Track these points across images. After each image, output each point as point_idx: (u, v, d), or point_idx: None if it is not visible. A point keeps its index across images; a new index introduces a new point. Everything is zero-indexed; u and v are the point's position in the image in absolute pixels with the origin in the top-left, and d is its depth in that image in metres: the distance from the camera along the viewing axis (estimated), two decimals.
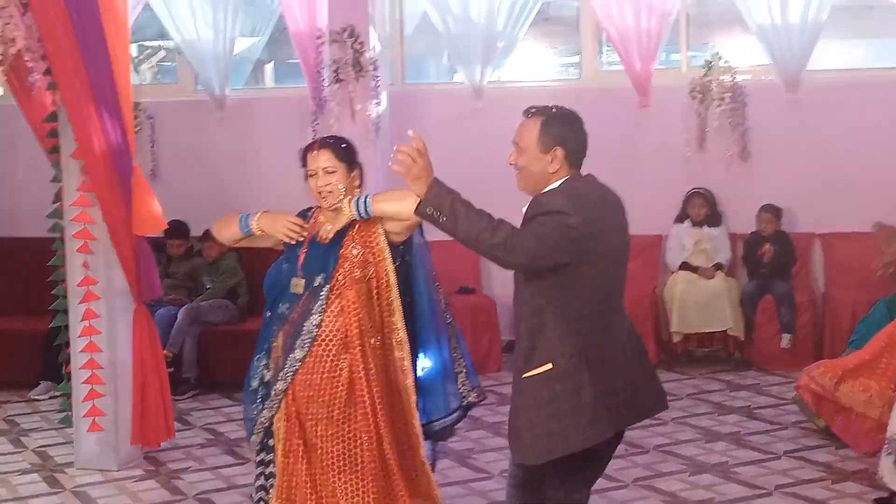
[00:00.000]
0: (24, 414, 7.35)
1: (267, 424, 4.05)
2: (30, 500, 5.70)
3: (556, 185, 3.49)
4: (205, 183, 8.53)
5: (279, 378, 3.98)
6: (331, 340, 3.94)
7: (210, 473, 6.05)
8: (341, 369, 3.93)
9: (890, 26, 8.95)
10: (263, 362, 4.10)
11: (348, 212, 3.95)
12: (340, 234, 4.02)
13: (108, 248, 6.00)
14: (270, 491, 4.04)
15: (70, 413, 6.32)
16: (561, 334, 3.39)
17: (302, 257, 4.02)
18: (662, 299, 8.10)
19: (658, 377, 3.90)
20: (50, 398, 7.39)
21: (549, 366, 3.39)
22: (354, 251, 3.98)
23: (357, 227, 4.00)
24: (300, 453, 3.95)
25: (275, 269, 4.16)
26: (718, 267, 8.01)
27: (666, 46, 8.48)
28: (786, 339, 7.78)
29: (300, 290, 3.99)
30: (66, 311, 6.22)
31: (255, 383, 4.11)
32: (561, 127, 3.53)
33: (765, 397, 7.25)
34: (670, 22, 8.25)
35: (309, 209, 4.19)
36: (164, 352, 7.14)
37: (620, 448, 5.72)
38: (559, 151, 3.48)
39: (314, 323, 3.94)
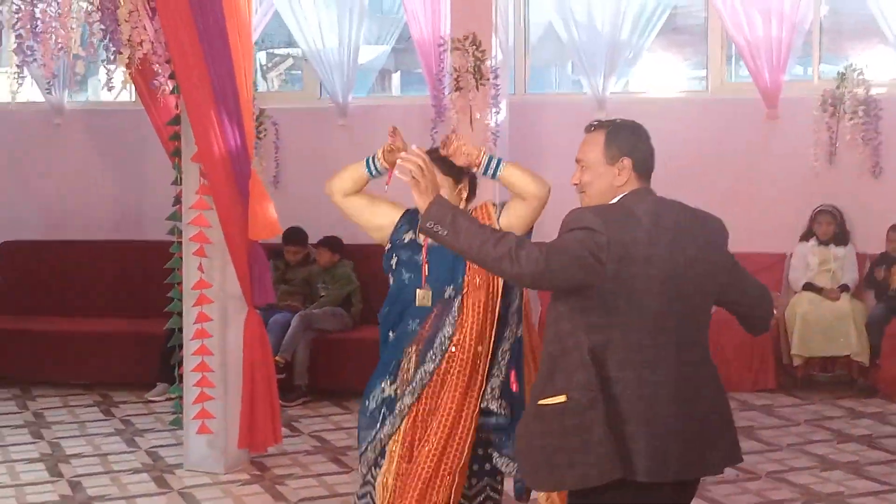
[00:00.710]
0: (140, 415, 7.47)
1: (386, 442, 3.96)
2: (137, 500, 5.78)
3: (620, 197, 3.31)
4: (321, 192, 8.56)
5: (406, 392, 3.91)
6: (463, 352, 3.88)
7: (314, 480, 6.06)
8: (462, 377, 3.89)
9: None
10: (388, 385, 3.98)
11: (476, 159, 3.89)
12: None
13: (224, 251, 6.05)
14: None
15: (181, 415, 6.39)
16: (580, 364, 3.15)
17: (426, 267, 3.94)
18: (784, 320, 7.84)
19: (733, 431, 3.43)
20: (165, 400, 7.46)
21: (563, 398, 3.17)
22: None
23: None
24: (425, 476, 3.85)
25: (395, 293, 4.03)
26: (844, 288, 7.78)
27: (797, 57, 8.26)
28: None
29: (428, 302, 3.91)
30: (180, 314, 6.31)
31: (372, 404, 4.03)
32: (627, 137, 3.35)
33: (888, 426, 6.97)
34: (803, 32, 8.06)
35: (415, 210, 3.93)
36: (277, 358, 7.23)
37: (731, 472, 5.64)
38: (626, 161, 3.30)
39: (447, 335, 3.88)
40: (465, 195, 4.03)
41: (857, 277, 7.89)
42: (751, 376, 7.79)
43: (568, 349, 3.19)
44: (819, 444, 6.64)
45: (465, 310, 3.90)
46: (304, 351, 7.72)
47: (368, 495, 4.06)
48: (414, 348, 3.93)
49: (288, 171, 8.79)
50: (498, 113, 8.15)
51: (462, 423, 3.88)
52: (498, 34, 8.23)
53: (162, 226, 6.79)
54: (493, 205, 4.03)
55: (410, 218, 4.01)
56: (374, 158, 3.97)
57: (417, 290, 3.93)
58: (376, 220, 4.04)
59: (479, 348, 3.89)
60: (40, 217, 9.08)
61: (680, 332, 3.21)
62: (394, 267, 4.01)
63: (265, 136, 8.71)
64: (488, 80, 8.08)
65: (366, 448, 4.02)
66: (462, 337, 3.88)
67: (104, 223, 8.98)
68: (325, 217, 8.17)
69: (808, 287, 7.84)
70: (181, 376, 6.31)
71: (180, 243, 6.32)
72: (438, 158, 3.91)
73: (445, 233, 3.17)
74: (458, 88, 8.10)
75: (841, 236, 7.91)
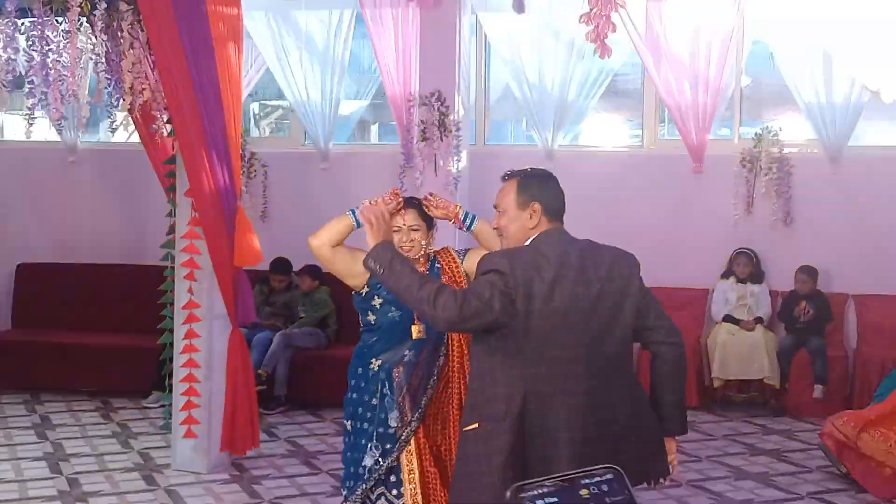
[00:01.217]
0: (135, 419, 7.45)
1: (389, 466, 3.88)
2: (128, 496, 5.74)
3: (534, 238, 3.28)
4: (308, 225, 8.43)
5: (413, 419, 3.86)
6: (454, 377, 3.90)
7: (287, 481, 6.04)
8: (455, 394, 3.91)
9: None
10: (391, 415, 3.87)
11: (454, 213, 4.00)
12: (435, 277, 3.90)
13: (211, 276, 6.03)
14: None
15: (170, 420, 6.38)
16: (492, 397, 3.13)
17: None
18: (706, 347, 7.90)
19: (651, 448, 3.33)
20: (159, 406, 7.43)
21: (476, 425, 3.16)
22: None
23: (444, 272, 3.98)
24: (435, 473, 3.86)
25: (378, 328, 3.96)
26: (759, 321, 7.83)
27: (720, 120, 8.33)
28: (818, 390, 7.57)
29: (423, 335, 3.85)
30: (171, 331, 6.31)
31: (363, 439, 3.90)
32: (537, 184, 3.34)
33: (794, 442, 7.04)
34: (725, 98, 8.14)
35: None
36: (259, 371, 7.26)
37: None
38: (536, 206, 3.29)
39: (440, 362, 3.91)
40: (432, 240, 4.04)
41: (770, 311, 7.93)
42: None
43: (485, 384, 3.18)
44: (734, 456, 6.70)
45: (452, 339, 3.91)
46: (283, 366, 7.74)
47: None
48: (414, 374, 3.89)
49: (275, 208, 8.81)
50: (459, 161, 8.18)
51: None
52: (460, 92, 8.28)
53: (156, 252, 6.80)
54: (455, 250, 4.06)
55: None
56: (355, 212, 3.94)
57: (412, 326, 3.87)
58: (357, 267, 3.86)
59: (461, 364, 3.89)
60: (53, 242, 9.05)
61: (590, 358, 3.16)
62: (378, 307, 3.93)
63: (255, 176, 8.78)
64: (451, 132, 8.12)
65: (367, 475, 3.89)
66: (451, 359, 3.90)
67: (109, 249, 8.95)
68: (306, 247, 8.19)
69: (728, 319, 7.87)
70: (171, 386, 6.30)
71: (173, 268, 6.32)
72: (418, 206, 3.98)
73: (382, 271, 3.22)
74: (424, 139, 8.13)
75: (756, 275, 7.96)
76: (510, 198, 3.33)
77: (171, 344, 6.30)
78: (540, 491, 0.57)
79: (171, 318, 6.31)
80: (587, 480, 0.58)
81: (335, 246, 3.95)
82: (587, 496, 0.58)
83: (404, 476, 3.87)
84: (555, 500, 0.58)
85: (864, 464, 5.82)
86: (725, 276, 8.04)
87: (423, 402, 3.88)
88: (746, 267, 7.93)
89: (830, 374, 7.59)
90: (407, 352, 3.90)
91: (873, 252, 7.82)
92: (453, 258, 4.03)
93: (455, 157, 8.15)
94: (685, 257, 8.11)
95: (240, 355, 6.10)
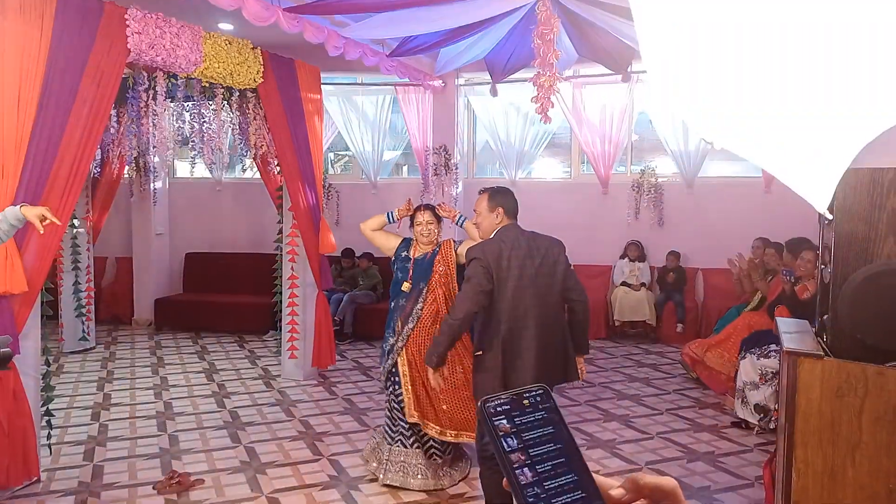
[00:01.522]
0: (258, 348, 7.46)
1: (390, 367, 3.94)
2: (255, 394, 5.77)
3: (498, 229, 3.31)
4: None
5: (399, 341, 3.91)
6: (427, 318, 3.89)
7: (353, 386, 6.05)
8: (433, 334, 3.87)
9: None
10: (391, 335, 3.97)
11: (453, 215, 4.07)
12: (432, 258, 3.95)
13: (305, 259, 6.07)
14: (399, 403, 3.91)
15: (280, 348, 6.40)
16: (488, 333, 3.22)
17: (411, 271, 3.95)
18: (610, 301, 7.90)
19: (570, 361, 3.39)
20: (273, 340, 7.45)
21: (480, 351, 3.26)
22: (441, 268, 3.94)
23: (439, 255, 3.96)
24: (419, 382, 3.86)
25: (393, 283, 4.05)
26: (643, 285, 7.80)
27: (619, 161, 8.29)
28: (679, 327, 7.56)
29: (408, 290, 3.93)
30: (281, 293, 6.32)
31: (386, 347, 4.00)
32: (500, 196, 3.37)
33: (665, 359, 7.03)
34: (621, 147, 8.10)
35: (410, 239, 4.09)
36: (335, 317, 7.25)
37: (577, 383, 5.60)
38: (500, 210, 3.35)
39: (419, 308, 3.90)
40: (440, 232, 4.06)
41: (650, 279, 7.89)
42: (593, 329, 7.79)
43: (484, 326, 3.26)
44: (628, 367, 6.69)
45: (429, 295, 3.93)
46: (350, 314, 7.75)
47: (386, 406, 4.09)
48: (402, 316, 3.93)
49: (343, 217, 8.80)
50: (457, 188, 8.19)
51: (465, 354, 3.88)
52: (457, 145, 8.29)
53: (272, 245, 6.81)
54: (454, 241, 4.06)
55: (405, 242, 4.08)
56: (391, 213, 4.13)
57: (404, 283, 3.96)
58: (389, 243, 4.09)
59: (440, 317, 3.89)
60: (208, 240, 9.05)
61: (537, 308, 3.23)
62: (394, 269, 4.05)
63: (332, 198, 8.76)
64: (452, 170, 8.14)
65: (382, 368, 4.03)
66: (427, 309, 3.91)
67: (241, 243, 8.96)
68: (363, 242, 8.22)
69: (624, 283, 7.83)
70: (280, 327, 6.34)
71: (281, 255, 6.34)
72: (432, 209, 4.03)
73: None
74: (435, 174, 8.14)
75: (641, 257, 7.92)
76: (483, 204, 3.38)
77: (281, 301, 6.32)
78: (497, 401, 0.59)
79: (281, 285, 6.33)
80: (527, 394, 0.60)
81: (375, 230, 4.13)
82: (527, 405, 0.59)
83: (400, 374, 3.90)
84: (507, 407, 0.60)
85: (708, 372, 5.83)
86: (622, 257, 8.01)
87: (405, 329, 3.90)
88: (635, 251, 7.91)
89: (687, 317, 7.58)
90: (401, 300, 3.97)
91: (713, 242, 7.74)
92: (451, 246, 4.01)
93: (455, 186, 8.17)
94: (597, 245, 8.11)
95: (322, 308, 6.16)
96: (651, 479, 0.65)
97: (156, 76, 4.87)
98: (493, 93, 7.39)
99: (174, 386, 5.96)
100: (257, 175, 8.31)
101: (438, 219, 4.03)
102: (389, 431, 3.99)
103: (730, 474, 4.15)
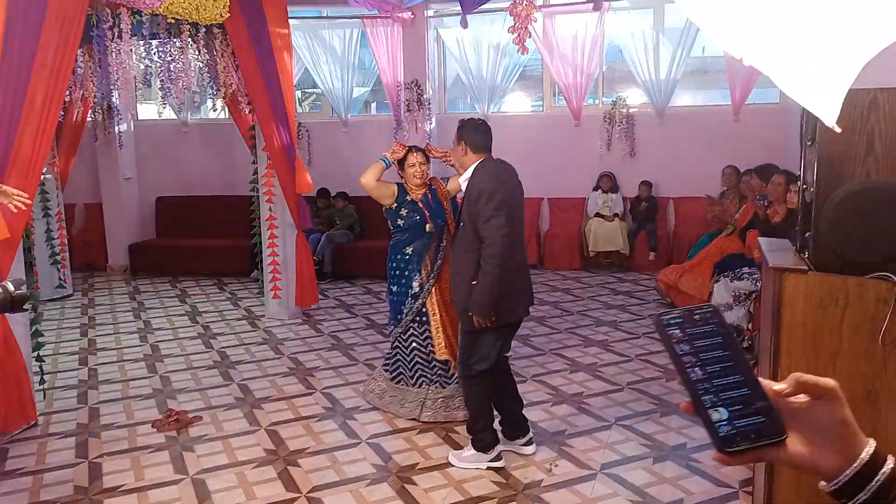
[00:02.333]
0: (239, 290, 7.45)
1: (419, 308, 3.93)
2: (241, 334, 5.81)
3: (473, 165, 3.32)
4: (336, 167, 8.51)
5: (429, 281, 3.92)
6: (450, 255, 3.88)
7: (338, 323, 6.10)
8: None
9: (715, 83, 8.72)
10: (416, 277, 3.93)
11: (445, 155, 3.91)
12: (435, 197, 3.97)
13: (282, 200, 6.03)
14: (426, 345, 3.96)
15: (262, 288, 6.43)
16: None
17: (428, 214, 3.92)
18: (584, 232, 8.01)
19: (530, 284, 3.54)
20: (254, 280, 7.44)
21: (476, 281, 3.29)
22: (445, 204, 3.99)
23: (440, 193, 4.00)
24: (447, 321, 3.92)
25: (408, 227, 3.94)
26: (616, 216, 7.90)
27: (590, 93, 8.28)
28: (651, 255, 7.71)
29: (432, 229, 3.93)
30: (260, 234, 6.30)
31: (411, 290, 3.94)
32: (465, 130, 3.37)
33: (639, 286, 7.22)
34: (593, 78, 8.07)
35: (401, 183, 4.03)
36: (314, 257, 7.25)
37: (558, 310, 5.72)
38: (463, 143, 3.37)
39: (443, 244, 3.94)
40: (429, 171, 4.05)
41: (622, 209, 7.99)
42: (568, 260, 7.97)
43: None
44: (604, 295, 6.83)
45: (446, 233, 3.96)
46: (328, 254, 7.75)
47: (416, 351, 4.00)
48: (428, 253, 3.94)
49: (316, 157, 8.70)
50: (430, 124, 8.13)
51: None
52: (429, 80, 8.19)
53: (246, 186, 6.75)
54: (440, 178, 4.07)
55: (401, 187, 4.01)
56: (386, 158, 3.96)
57: (426, 224, 3.93)
58: (388, 192, 3.96)
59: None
60: (178, 183, 8.90)
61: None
62: (405, 215, 3.95)
63: (302, 137, 8.61)
64: (424, 106, 8.06)
65: (405, 315, 3.96)
66: (447, 244, 3.93)
67: (212, 185, 8.83)
68: (337, 181, 8.19)
69: (598, 215, 7.91)
70: (261, 268, 6.34)
71: (258, 196, 6.29)
72: (422, 150, 4.02)
73: (490, 290, 3.20)
74: (408, 110, 8.06)
75: (614, 188, 8.00)
76: (454, 139, 3.42)
77: (260, 242, 6.30)
78: (671, 315, 0.66)
79: (259, 227, 6.30)
80: (698, 311, 0.66)
81: (378, 181, 3.95)
82: (698, 319, 0.66)
83: (430, 316, 3.94)
84: (679, 320, 0.67)
85: (682, 297, 6.02)
86: (595, 189, 8.07)
87: (435, 267, 3.94)
88: (608, 183, 7.98)
89: (659, 245, 7.72)
90: (426, 239, 3.95)
91: (683, 171, 7.88)
92: (440, 183, 4.05)
93: (428, 122, 8.10)
94: (571, 178, 8.17)
95: (302, 247, 6.14)
96: (811, 378, 0.72)
97: (119, 13, 4.69)
98: (464, 25, 7.27)
99: (158, 329, 5.97)
100: (223, 115, 8.19)
101: (428, 160, 4.02)
102: (408, 373, 4.00)
103: None
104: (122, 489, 3.31)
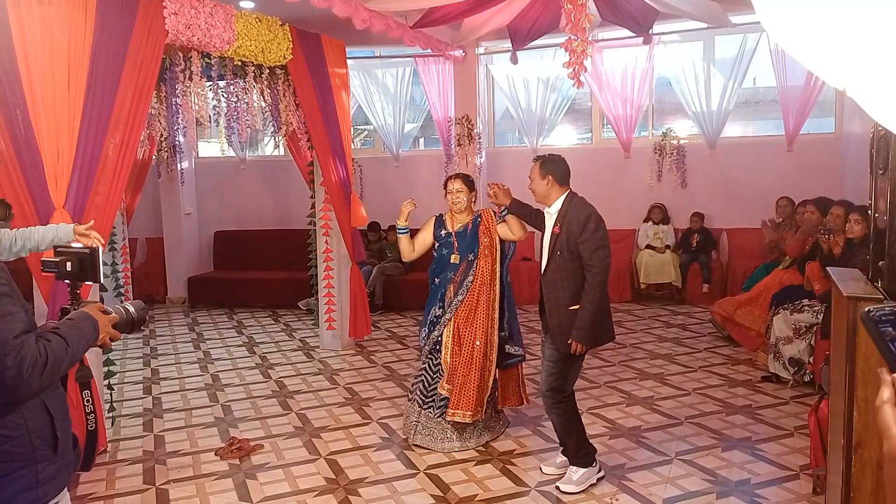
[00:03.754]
0: (294, 321, 7.59)
1: (437, 338, 4.02)
2: (297, 364, 5.91)
3: (563, 196, 3.45)
4: (387, 201, 8.66)
5: (447, 311, 3.99)
6: (475, 289, 3.96)
7: (391, 355, 6.16)
8: (480, 303, 3.97)
9: (767, 114, 8.64)
10: (438, 307, 4.04)
11: (500, 205, 3.93)
12: (475, 229, 4.00)
13: (338, 233, 6.16)
14: (435, 375, 4.04)
15: (316, 319, 6.53)
16: (580, 289, 3.38)
17: (455, 244, 4.00)
18: (635, 264, 7.95)
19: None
20: (308, 312, 7.58)
21: (577, 306, 3.37)
22: (485, 240, 4.00)
23: (482, 226, 4.02)
24: (458, 353, 3.97)
25: (438, 259, 4.08)
26: (667, 247, 7.85)
27: (640, 124, 8.28)
28: (705, 287, 7.61)
29: (458, 261, 3.99)
30: (316, 266, 6.43)
31: (429, 318, 4.06)
32: (550, 164, 3.51)
33: (692, 319, 7.12)
34: (642, 110, 8.10)
35: (441, 215, 4.15)
36: (366, 289, 7.34)
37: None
38: (550, 178, 3.48)
39: (469, 280, 3.98)
40: (473, 199, 4.10)
41: (674, 241, 7.92)
42: (619, 292, 7.89)
43: (580, 283, 3.38)
44: (657, 329, 6.75)
45: (478, 266, 3.99)
46: (380, 285, 7.85)
47: (423, 373, 4.11)
48: (452, 287, 4.00)
49: (368, 190, 8.86)
50: (481, 157, 8.23)
51: (491, 328, 3.97)
52: (479, 115, 8.31)
53: (303, 220, 6.91)
54: (494, 213, 4.08)
55: (438, 220, 4.11)
56: (401, 229, 4.05)
57: (452, 256, 4.01)
58: (426, 237, 4.11)
59: (488, 286, 3.98)
60: (235, 218, 9.16)
61: None
62: (436, 250, 4.09)
63: (356, 172, 8.79)
64: (474, 139, 8.17)
65: (424, 343, 4.09)
66: (476, 280, 3.98)
67: (270, 220, 9.07)
68: (388, 215, 8.32)
69: (648, 246, 7.88)
70: (317, 299, 6.45)
71: (315, 229, 6.43)
72: (464, 178, 4.08)
73: (594, 308, 3.36)
74: (459, 144, 8.18)
75: (665, 219, 7.96)
76: (536, 171, 3.50)
77: (316, 274, 6.42)
78: (882, 311, 0.63)
79: (315, 259, 6.43)
80: None
81: (413, 247, 4.11)
82: None
83: (443, 345, 4.01)
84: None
85: (738, 329, 5.90)
86: (646, 220, 8.04)
87: (455, 301, 3.98)
88: (659, 214, 7.94)
89: (712, 277, 7.62)
90: (450, 272, 4.02)
91: (736, 202, 7.81)
92: (492, 217, 4.06)
93: (478, 156, 8.20)
94: (622, 209, 8.12)
95: (356, 279, 6.26)
96: None
97: (191, 56, 4.94)
98: (514, 61, 7.40)
99: (218, 359, 6.11)
100: (281, 152, 8.44)
101: (469, 186, 4.07)
102: (422, 397, 4.08)
103: (768, 425, 4.26)
104: None
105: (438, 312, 4.04)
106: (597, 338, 3.43)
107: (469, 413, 3.92)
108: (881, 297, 2.10)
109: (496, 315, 4.00)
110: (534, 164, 3.54)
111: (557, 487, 3.51)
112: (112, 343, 1.98)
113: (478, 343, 3.93)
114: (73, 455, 1.86)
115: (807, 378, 4.85)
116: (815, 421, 3.30)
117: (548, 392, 3.52)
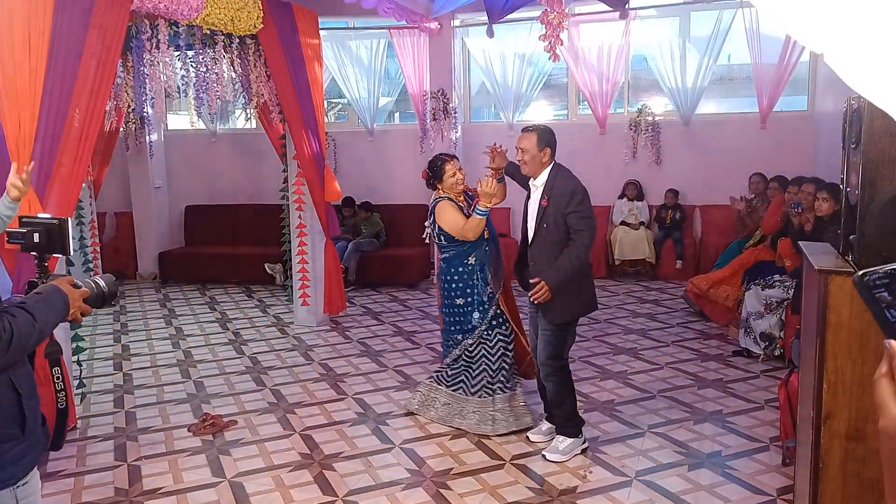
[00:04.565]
0: (267, 297, 7.52)
1: (494, 312, 3.85)
2: (272, 341, 5.87)
3: (549, 168, 3.49)
4: (362, 176, 8.59)
5: (498, 286, 3.91)
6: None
7: (366, 330, 6.14)
8: None
9: (741, 91, 8.68)
10: (483, 286, 3.86)
11: (494, 166, 3.80)
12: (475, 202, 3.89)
13: (311, 208, 6.09)
14: (511, 341, 3.93)
15: (290, 295, 6.49)
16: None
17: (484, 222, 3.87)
18: (610, 241, 7.99)
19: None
20: (282, 287, 7.52)
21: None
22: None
23: (477, 197, 3.91)
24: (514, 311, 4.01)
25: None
26: (642, 223, 7.89)
27: (615, 100, 8.27)
28: (679, 264, 7.66)
29: (488, 235, 3.88)
30: (289, 242, 6.37)
31: (484, 297, 3.86)
32: (549, 136, 3.54)
33: (666, 295, 7.19)
34: (618, 86, 8.08)
35: (447, 198, 3.91)
36: (341, 265, 7.30)
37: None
38: (548, 150, 3.48)
39: (498, 247, 4.01)
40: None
41: (648, 217, 7.96)
42: (593, 268, 7.84)
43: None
44: (629, 304, 6.82)
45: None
46: (354, 261, 7.78)
47: (502, 350, 3.90)
48: (492, 263, 3.92)
49: (342, 165, 8.76)
50: (456, 133, 8.17)
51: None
52: (455, 89, 8.23)
53: (276, 195, 6.82)
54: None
55: (452, 201, 3.91)
56: (478, 209, 3.73)
57: (484, 232, 3.83)
58: (462, 217, 3.87)
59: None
60: (207, 192, 9.02)
61: None
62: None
63: (329, 147, 8.67)
64: (450, 114, 8.10)
65: (480, 323, 3.85)
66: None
67: (243, 194, 8.94)
68: (362, 190, 8.26)
69: (623, 223, 7.91)
70: (291, 275, 6.40)
71: (288, 204, 6.35)
72: (456, 158, 3.99)
73: (567, 272, 3.45)
74: (434, 119, 8.11)
75: (640, 196, 7.99)
76: (532, 143, 3.46)
77: (290, 249, 6.36)
78: (876, 275, 0.60)
79: (289, 234, 6.36)
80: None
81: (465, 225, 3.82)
82: None
83: (507, 314, 3.93)
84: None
85: (710, 305, 5.98)
86: (621, 197, 8.06)
87: (500, 272, 3.95)
88: (633, 191, 7.95)
89: (686, 253, 7.68)
90: (486, 245, 3.91)
91: (710, 179, 7.85)
92: (474, 190, 4.02)
93: (454, 131, 8.14)
94: (597, 186, 7.89)
95: (331, 255, 6.21)
96: None
97: (157, 24, 4.79)
98: (490, 34, 7.32)
99: (190, 335, 6.05)
100: (252, 125, 8.29)
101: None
102: (508, 375, 3.91)
103: (739, 399, 4.34)
104: (161, 491, 3.35)
105: (489, 288, 3.88)
106: (588, 305, 3.58)
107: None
108: (851, 270, 2.12)
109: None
110: (527, 135, 3.50)
111: (543, 456, 3.58)
112: (83, 318, 1.93)
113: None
114: (42, 434, 1.82)
115: (777, 352, 4.94)
116: (785, 394, 3.37)
117: (547, 361, 3.55)
